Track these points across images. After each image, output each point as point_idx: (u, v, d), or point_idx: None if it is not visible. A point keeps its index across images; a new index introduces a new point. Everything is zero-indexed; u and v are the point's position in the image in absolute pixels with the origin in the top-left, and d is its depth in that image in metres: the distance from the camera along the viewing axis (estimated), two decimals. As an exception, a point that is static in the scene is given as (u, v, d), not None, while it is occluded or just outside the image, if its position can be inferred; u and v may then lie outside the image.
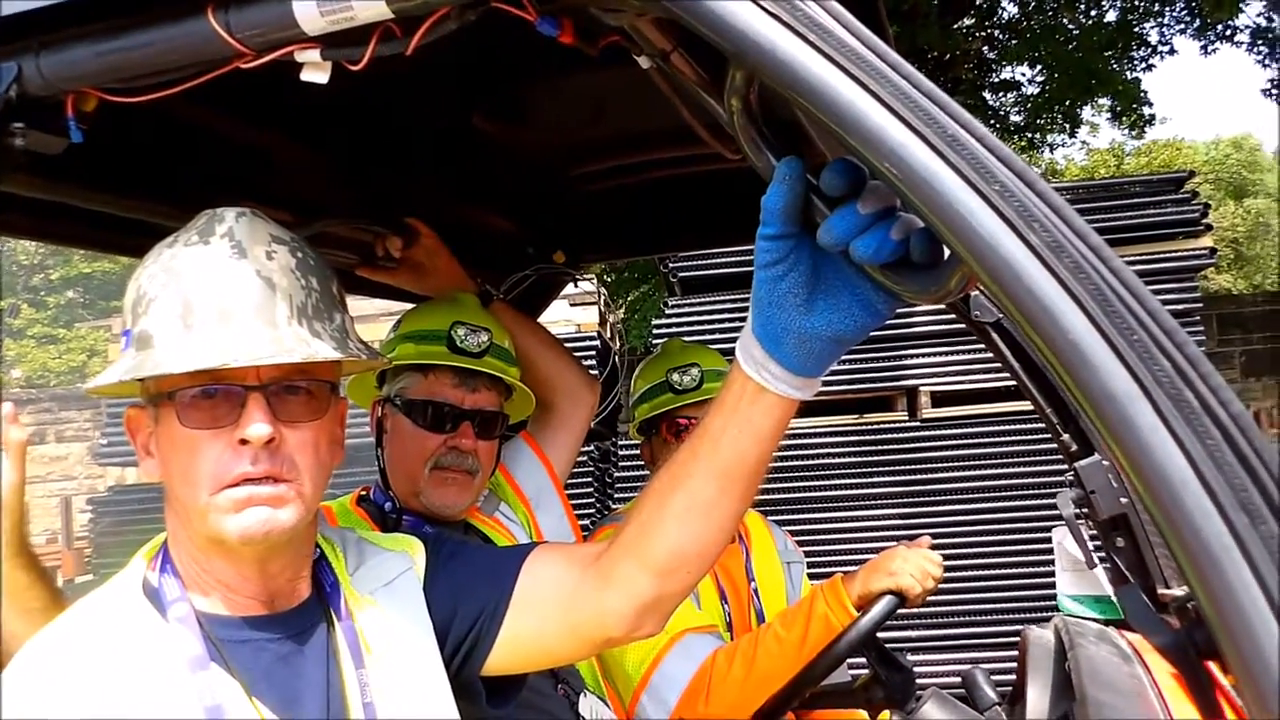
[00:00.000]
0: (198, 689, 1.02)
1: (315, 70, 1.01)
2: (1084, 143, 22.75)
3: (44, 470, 14.45)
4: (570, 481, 2.24)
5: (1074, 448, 1.94)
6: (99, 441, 7.99)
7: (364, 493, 1.91)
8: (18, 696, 0.98)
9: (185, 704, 1.01)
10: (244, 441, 1.04)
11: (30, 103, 1.07)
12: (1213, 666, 1.26)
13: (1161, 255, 4.79)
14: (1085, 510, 1.91)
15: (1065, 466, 1.92)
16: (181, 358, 1.02)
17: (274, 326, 1.05)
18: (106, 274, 23.47)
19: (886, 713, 1.69)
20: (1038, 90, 12.12)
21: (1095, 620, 1.75)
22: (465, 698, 1.22)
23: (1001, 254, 0.73)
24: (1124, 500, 1.86)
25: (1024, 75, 12.47)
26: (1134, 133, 13.22)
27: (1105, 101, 12.32)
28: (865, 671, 1.96)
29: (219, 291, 1.05)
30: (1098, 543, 1.91)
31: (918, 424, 4.70)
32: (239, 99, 1.47)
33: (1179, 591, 1.61)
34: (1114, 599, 1.82)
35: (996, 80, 12.48)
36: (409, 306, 2.17)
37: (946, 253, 0.86)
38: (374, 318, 5.64)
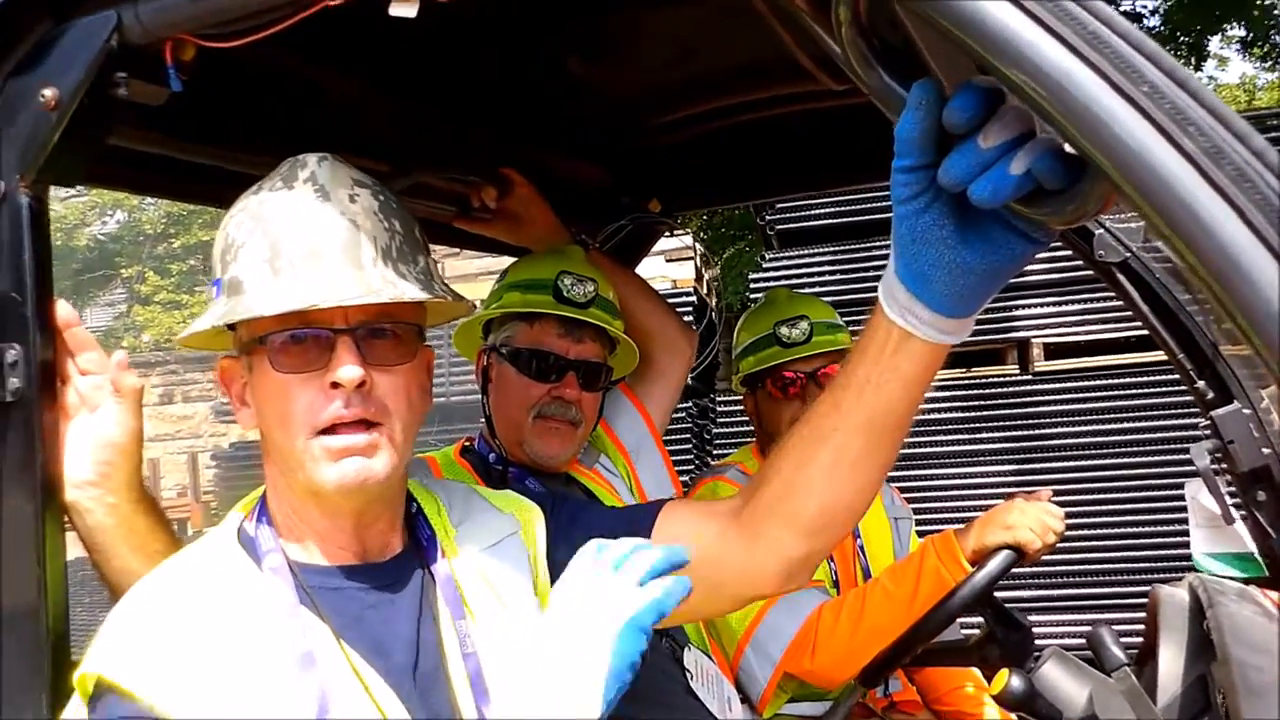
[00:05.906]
0: (290, 635, 1.03)
1: (404, 4, 0.99)
2: (1211, 78, 21.25)
3: (172, 429, 15.32)
4: (669, 438, 2.22)
5: (1210, 395, 1.81)
6: (221, 400, 8.39)
7: (468, 443, 1.92)
8: (117, 638, 1.01)
9: (278, 649, 1.02)
10: (335, 385, 1.03)
11: (131, 52, 1.09)
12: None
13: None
14: (1222, 462, 1.78)
15: (1191, 422, 1.78)
16: (270, 301, 1.02)
17: (360, 268, 1.04)
18: (223, 242, 24.43)
19: (1004, 672, 1.62)
20: (1161, 21, 11.35)
21: (1235, 579, 1.63)
22: None
23: (1151, 162, 0.66)
24: (1266, 451, 1.73)
25: (1145, 7, 11.69)
26: (1267, 65, 12.28)
27: (1235, 32, 11.45)
28: (977, 631, 1.88)
29: (304, 234, 1.04)
30: (1236, 499, 1.79)
31: (1030, 377, 4.50)
32: (330, 49, 1.46)
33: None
34: (1256, 555, 1.70)
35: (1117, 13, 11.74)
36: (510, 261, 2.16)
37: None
38: (473, 277, 5.73)
